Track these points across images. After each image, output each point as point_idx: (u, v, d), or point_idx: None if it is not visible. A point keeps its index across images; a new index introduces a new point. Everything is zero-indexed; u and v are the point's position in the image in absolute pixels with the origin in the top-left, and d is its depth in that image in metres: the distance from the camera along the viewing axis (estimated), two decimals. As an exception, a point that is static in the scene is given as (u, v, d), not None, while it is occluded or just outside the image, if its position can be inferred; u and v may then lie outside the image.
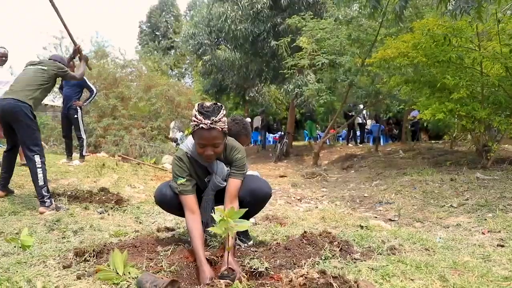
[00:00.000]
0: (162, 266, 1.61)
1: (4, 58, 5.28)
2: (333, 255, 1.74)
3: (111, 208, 3.60)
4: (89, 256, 1.74)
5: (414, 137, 13.12)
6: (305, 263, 1.63)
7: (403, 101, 8.96)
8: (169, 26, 32.18)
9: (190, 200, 2.00)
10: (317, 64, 7.85)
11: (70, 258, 1.75)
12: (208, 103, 1.94)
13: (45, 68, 3.71)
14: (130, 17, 58.92)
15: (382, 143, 13.51)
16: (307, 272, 1.31)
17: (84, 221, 2.98)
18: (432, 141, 12.77)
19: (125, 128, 9.71)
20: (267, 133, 17.37)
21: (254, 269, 1.66)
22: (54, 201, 3.58)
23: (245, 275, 1.55)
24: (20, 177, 4.67)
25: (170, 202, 2.11)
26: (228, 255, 1.63)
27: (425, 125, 13.30)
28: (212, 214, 1.51)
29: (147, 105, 10.25)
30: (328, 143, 15.19)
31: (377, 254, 1.88)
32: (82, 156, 6.39)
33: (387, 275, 1.45)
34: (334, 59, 7.78)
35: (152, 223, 3.16)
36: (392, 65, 6.91)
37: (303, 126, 23.69)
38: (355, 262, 1.73)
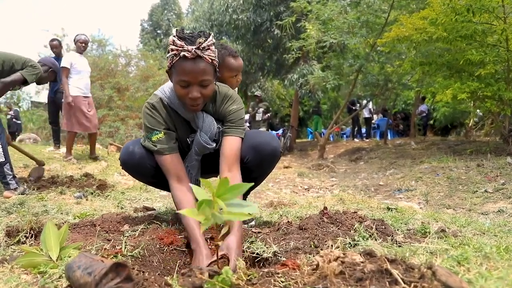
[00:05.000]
0: (121, 249, 1.11)
1: (84, 45, 5.15)
2: (371, 235, 1.24)
3: (92, 193, 3.10)
4: (25, 236, 1.25)
5: (424, 132, 12.63)
6: (332, 245, 1.13)
7: (413, 88, 8.40)
8: (171, 24, 31.79)
9: (173, 162, 1.46)
10: (324, 45, 7.30)
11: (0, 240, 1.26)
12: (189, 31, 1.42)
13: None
14: (132, 15, 58.66)
15: (389, 138, 12.96)
16: (343, 254, 0.81)
17: (54, 205, 2.48)
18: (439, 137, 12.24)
19: (121, 119, 9.25)
20: (269, 130, 16.86)
21: (258, 254, 1.16)
22: (27, 187, 3.11)
23: (244, 263, 1.05)
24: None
25: (140, 164, 1.54)
26: (235, 237, 1.15)
27: (432, 121, 12.78)
28: (193, 187, 0.87)
29: (144, 96, 9.78)
30: (332, 139, 14.64)
31: (428, 236, 1.36)
32: (70, 144, 5.89)
33: (465, 259, 0.94)
34: (342, 41, 7.24)
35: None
36: (404, 46, 6.40)
37: (306, 123, 23.15)
38: (400, 246, 1.22)
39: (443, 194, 3.48)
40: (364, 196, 3.76)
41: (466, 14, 4.77)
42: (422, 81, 8.48)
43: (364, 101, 12.69)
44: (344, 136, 17.12)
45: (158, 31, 32.41)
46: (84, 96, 5.09)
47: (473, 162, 4.52)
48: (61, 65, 4.89)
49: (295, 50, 8.46)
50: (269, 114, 10.35)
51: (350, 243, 1.18)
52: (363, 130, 14.98)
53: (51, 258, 0.99)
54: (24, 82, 3.05)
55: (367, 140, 13.50)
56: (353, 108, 13.42)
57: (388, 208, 2.17)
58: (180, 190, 1.42)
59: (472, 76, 5.40)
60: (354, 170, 6.53)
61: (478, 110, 8.10)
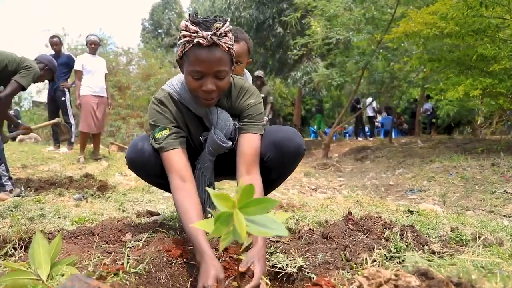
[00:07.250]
0: (123, 264, 0.96)
1: (93, 46, 5.19)
2: (408, 245, 1.09)
3: (92, 195, 2.95)
4: (13, 247, 1.11)
5: (429, 130, 12.47)
6: (368, 259, 0.98)
7: (419, 85, 8.24)
8: (172, 24, 31.63)
9: (177, 158, 1.28)
10: (330, 41, 7.15)
11: (-14, 252, 1.11)
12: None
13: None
14: (133, 14, 58.61)
15: (393, 136, 12.78)
16: (395, 276, 0.66)
17: (52, 208, 2.33)
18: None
19: (122, 118, 9.12)
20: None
21: (280, 269, 1.01)
22: (24, 188, 2.98)
23: (268, 283, 0.90)
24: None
25: (150, 163, 1.38)
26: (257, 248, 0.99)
27: (436, 120, 12.60)
28: (210, 191, 0.73)
29: (145, 94, 9.64)
30: (335, 138, 14.46)
31: (471, 246, 1.22)
32: (70, 144, 5.77)
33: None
34: (348, 37, 7.09)
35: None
36: (410, 43, 6.24)
37: (308, 122, 22.96)
38: (441, 257, 1.07)
39: (459, 195, 3.32)
40: (375, 196, 3.61)
41: (478, 8, 4.61)
42: (428, 78, 8.32)
43: (368, 99, 12.51)
44: (347, 135, 16.95)
45: (159, 30, 32.24)
46: (94, 95, 5.02)
47: (486, 161, 4.37)
48: (74, 68, 5.16)
49: (298, 48, 8.31)
50: (271, 98, 7.52)
51: (385, 255, 1.03)
52: (366, 128, 14.81)
53: (40, 277, 0.85)
54: (22, 88, 2.93)
55: (371, 138, 13.33)
56: (358, 106, 13.25)
57: (410, 211, 2.02)
58: (182, 190, 1.23)
59: (484, 72, 5.24)
60: (361, 170, 6.38)
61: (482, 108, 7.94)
